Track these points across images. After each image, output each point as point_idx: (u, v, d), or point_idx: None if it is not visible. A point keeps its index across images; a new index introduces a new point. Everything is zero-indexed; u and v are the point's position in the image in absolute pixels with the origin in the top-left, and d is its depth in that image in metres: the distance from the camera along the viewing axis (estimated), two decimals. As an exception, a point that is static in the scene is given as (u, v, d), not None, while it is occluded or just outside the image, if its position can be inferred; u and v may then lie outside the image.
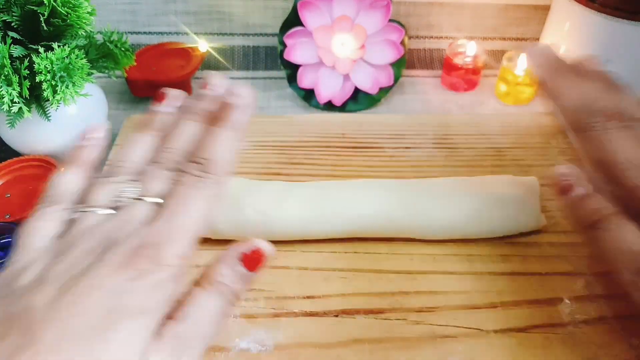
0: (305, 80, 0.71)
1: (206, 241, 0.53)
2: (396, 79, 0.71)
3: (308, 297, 0.48)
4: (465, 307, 0.47)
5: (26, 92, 0.52)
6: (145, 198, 0.32)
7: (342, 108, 0.72)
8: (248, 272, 0.33)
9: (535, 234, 0.54)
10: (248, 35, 0.81)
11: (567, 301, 0.48)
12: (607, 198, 0.39)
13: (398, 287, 0.49)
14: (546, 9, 0.79)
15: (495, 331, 0.46)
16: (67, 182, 0.34)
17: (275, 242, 0.52)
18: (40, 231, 0.31)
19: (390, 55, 0.69)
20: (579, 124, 0.42)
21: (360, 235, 0.52)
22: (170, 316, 0.30)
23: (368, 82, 0.71)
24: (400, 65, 0.72)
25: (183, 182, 0.33)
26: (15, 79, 0.51)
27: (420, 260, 0.51)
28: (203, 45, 0.74)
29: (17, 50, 0.52)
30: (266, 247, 0.34)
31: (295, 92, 0.74)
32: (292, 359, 0.44)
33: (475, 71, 0.75)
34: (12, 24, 0.53)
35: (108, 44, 0.60)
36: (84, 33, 0.57)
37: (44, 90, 0.52)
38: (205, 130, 0.35)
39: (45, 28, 0.53)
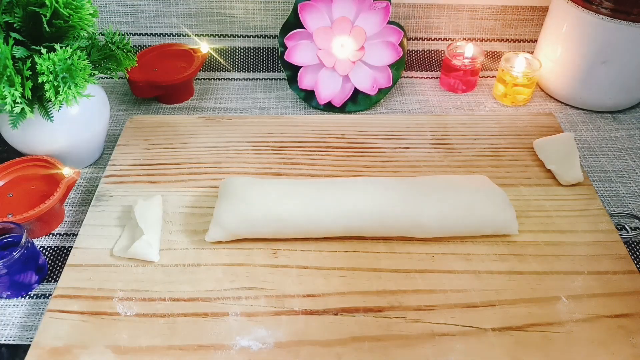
0: (305, 81, 0.72)
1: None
2: (395, 80, 0.72)
3: (308, 296, 0.49)
4: (464, 306, 0.48)
5: (28, 93, 0.52)
6: None
7: (342, 109, 0.73)
8: None
9: (531, 234, 0.54)
10: (249, 36, 0.82)
11: (564, 300, 0.48)
12: None
13: (397, 286, 0.49)
14: (544, 10, 0.80)
15: (494, 329, 0.46)
16: None
17: (277, 240, 0.53)
18: None
19: (389, 56, 0.70)
20: None
21: (357, 224, 0.53)
22: None
23: (367, 83, 0.71)
24: (399, 66, 0.72)
25: None
26: (17, 79, 0.51)
27: (419, 259, 0.52)
28: (204, 47, 0.74)
29: (19, 51, 0.52)
30: None
31: (295, 93, 0.74)
32: (292, 356, 0.44)
33: (474, 72, 0.75)
34: (15, 25, 0.53)
35: (110, 45, 0.60)
36: (86, 34, 0.57)
37: (47, 91, 0.52)
38: None
39: (47, 29, 0.53)
